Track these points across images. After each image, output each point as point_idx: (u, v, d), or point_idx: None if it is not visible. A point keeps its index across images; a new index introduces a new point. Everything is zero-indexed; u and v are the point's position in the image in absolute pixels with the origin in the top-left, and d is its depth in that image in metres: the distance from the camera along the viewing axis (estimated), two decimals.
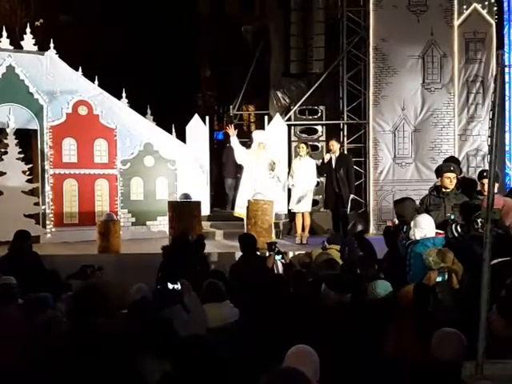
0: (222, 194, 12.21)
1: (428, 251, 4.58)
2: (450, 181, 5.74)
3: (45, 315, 3.50)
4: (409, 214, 5.34)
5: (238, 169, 11.30)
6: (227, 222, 10.00)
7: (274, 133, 10.25)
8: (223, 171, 11.96)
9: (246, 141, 11.18)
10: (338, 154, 9.31)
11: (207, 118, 10.59)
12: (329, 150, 9.77)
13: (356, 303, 3.81)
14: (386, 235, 5.96)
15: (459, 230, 5.03)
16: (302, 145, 9.50)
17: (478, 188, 6.42)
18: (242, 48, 13.70)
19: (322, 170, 9.51)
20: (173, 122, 10.63)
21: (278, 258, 5.90)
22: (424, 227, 5.01)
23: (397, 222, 5.94)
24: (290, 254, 7.21)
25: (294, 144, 10.67)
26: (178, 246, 6.06)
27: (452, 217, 5.37)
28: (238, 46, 14.04)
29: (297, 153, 9.65)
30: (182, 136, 10.47)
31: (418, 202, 5.96)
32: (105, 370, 2.80)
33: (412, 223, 5.09)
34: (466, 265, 4.40)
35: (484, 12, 10.52)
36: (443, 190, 5.77)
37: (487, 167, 7.88)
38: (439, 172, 5.99)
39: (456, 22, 10.47)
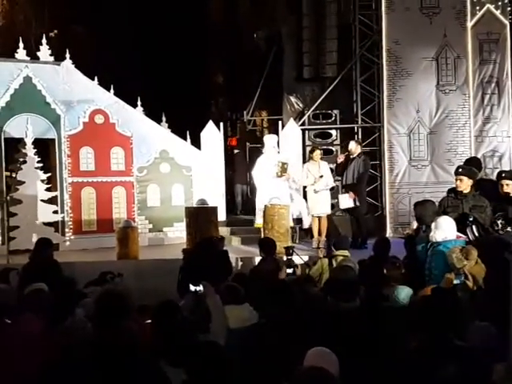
0: (233, 200, 12.30)
1: (452, 248, 4.54)
2: (459, 182, 5.73)
3: (70, 321, 3.56)
4: (429, 217, 5.31)
5: (249, 175, 11.37)
6: (242, 228, 10.04)
7: (288, 137, 10.27)
8: (234, 177, 12.05)
9: (259, 146, 11.21)
10: (355, 155, 9.19)
11: (221, 124, 10.64)
12: (343, 152, 9.73)
13: (372, 308, 3.79)
14: (408, 242, 5.88)
15: (480, 230, 5.00)
16: (318, 151, 9.43)
17: None
18: (254, 54, 13.75)
19: (337, 172, 9.50)
20: (187, 128, 10.70)
21: (289, 271, 5.86)
22: (445, 229, 4.99)
23: (415, 226, 5.91)
24: (306, 258, 7.24)
25: (308, 149, 10.67)
26: (201, 248, 6.10)
27: (471, 218, 5.34)
28: (250, 51, 14.09)
29: (310, 157, 9.64)
30: (196, 143, 10.53)
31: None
32: (130, 374, 2.84)
33: (433, 225, 5.06)
34: (487, 265, 4.37)
35: (497, 12, 10.47)
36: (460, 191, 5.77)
37: (504, 168, 7.79)
38: None
39: (469, 24, 10.42)
